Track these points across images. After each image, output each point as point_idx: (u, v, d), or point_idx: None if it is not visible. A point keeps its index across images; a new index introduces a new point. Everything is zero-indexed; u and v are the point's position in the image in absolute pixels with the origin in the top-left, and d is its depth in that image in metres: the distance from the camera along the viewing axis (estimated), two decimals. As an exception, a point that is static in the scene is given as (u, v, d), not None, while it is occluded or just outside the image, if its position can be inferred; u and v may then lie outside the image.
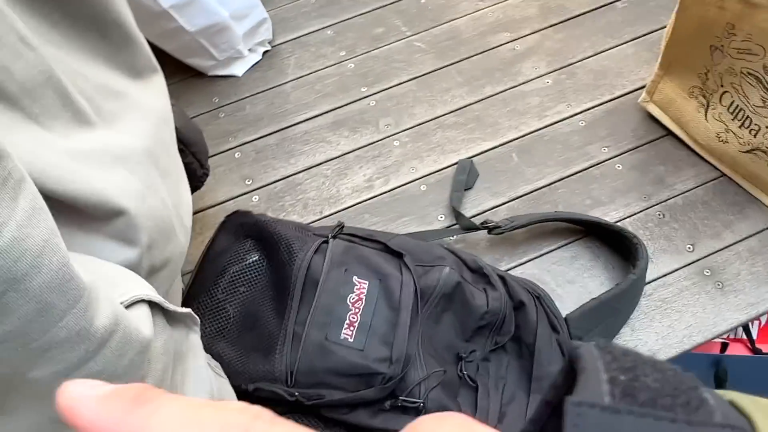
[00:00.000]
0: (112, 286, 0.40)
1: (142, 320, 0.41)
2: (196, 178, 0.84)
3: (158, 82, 0.62)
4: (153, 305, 0.43)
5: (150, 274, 0.51)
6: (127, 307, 0.40)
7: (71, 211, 0.42)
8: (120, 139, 0.49)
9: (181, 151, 0.79)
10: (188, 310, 0.50)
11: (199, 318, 0.79)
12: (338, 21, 1.26)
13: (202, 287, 0.79)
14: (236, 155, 1.09)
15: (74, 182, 0.41)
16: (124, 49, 0.54)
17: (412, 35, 1.21)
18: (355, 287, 0.75)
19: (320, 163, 1.06)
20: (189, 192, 0.65)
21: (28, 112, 0.41)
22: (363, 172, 1.03)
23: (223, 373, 0.66)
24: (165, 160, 0.57)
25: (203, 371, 0.55)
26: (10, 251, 0.29)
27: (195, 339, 0.54)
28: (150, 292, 0.43)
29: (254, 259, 0.79)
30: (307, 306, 0.73)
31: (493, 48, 1.17)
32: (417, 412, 0.72)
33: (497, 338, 0.80)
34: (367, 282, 0.75)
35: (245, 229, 0.82)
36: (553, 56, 1.14)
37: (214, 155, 1.09)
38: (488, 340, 0.80)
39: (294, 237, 0.78)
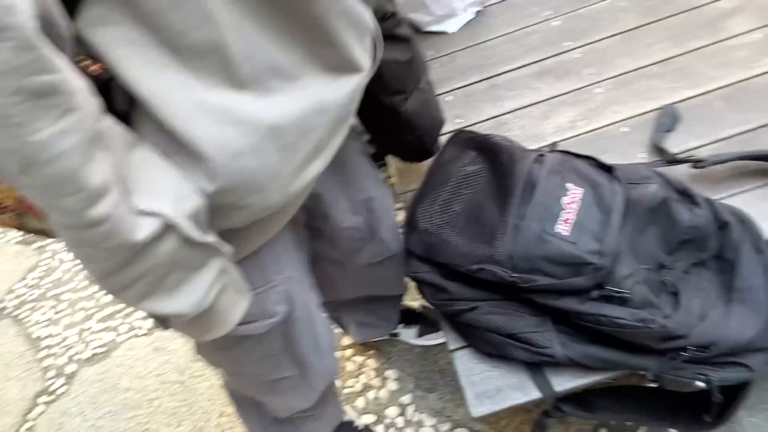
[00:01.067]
0: (142, 193, 0.56)
1: (142, 227, 0.55)
2: (418, 153, 1.04)
3: (351, 81, 0.71)
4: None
5: (221, 208, 0.64)
6: (142, 212, 0.55)
7: (174, 140, 0.58)
8: (255, 108, 0.62)
9: (408, 130, 0.98)
10: (210, 240, 0.62)
11: (429, 212, 0.92)
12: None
13: (432, 189, 0.93)
14: (447, 98, 1.23)
15: (182, 121, 0.57)
16: (321, 48, 0.66)
17: (616, -4, 1.28)
18: (569, 192, 0.84)
19: (525, 106, 1.16)
20: (317, 170, 0.73)
21: (189, 65, 0.57)
22: (566, 115, 1.12)
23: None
24: (295, 139, 0.67)
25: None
26: (41, 147, 0.47)
27: (219, 262, 0.66)
28: (171, 214, 0.56)
29: (477, 167, 0.91)
30: (527, 204, 0.84)
31: (698, 7, 1.21)
32: (622, 302, 0.80)
33: (700, 254, 0.86)
34: (580, 189, 0.85)
35: (469, 143, 0.95)
36: (764, 12, 1.15)
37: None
38: (691, 255, 0.86)
39: (515, 148, 0.90)
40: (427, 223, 0.90)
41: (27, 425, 1.63)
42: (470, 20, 1.34)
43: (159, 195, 0.57)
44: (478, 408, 0.88)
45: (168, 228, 0.57)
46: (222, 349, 0.88)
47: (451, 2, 1.29)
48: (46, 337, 1.78)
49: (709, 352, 0.79)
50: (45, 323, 1.83)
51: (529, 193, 0.85)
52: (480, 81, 1.24)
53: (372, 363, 1.49)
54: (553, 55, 1.23)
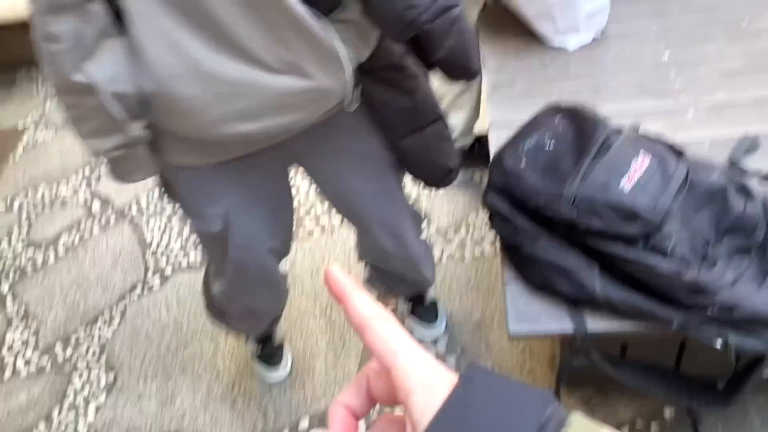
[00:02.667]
0: (93, 62, 0.84)
1: (78, 76, 0.84)
2: (425, 180, 1.26)
3: (294, 82, 0.93)
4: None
5: (159, 108, 0.92)
6: (84, 70, 0.84)
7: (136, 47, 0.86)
8: (204, 54, 0.87)
9: (408, 162, 1.21)
10: (121, 116, 0.90)
11: (516, 154, 1.07)
12: (664, 19, 1.51)
13: (522, 137, 1.09)
14: (552, 97, 1.38)
15: (145, 41, 0.85)
16: (278, 47, 0.90)
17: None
18: (639, 158, 0.97)
19: (620, 112, 1.29)
20: (247, 128, 0.96)
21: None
22: (654, 126, 1.25)
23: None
24: (227, 94, 0.91)
25: None
26: None
27: (125, 137, 0.94)
28: (99, 82, 0.85)
29: (564, 128, 1.06)
30: (598, 160, 0.98)
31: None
32: (663, 254, 0.91)
33: (745, 242, 0.96)
34: (649, 156, 0.98)
35: (563, 111, 1.10)
36: None
37: (536, 92, 1.39)
38: (736, 241, 0.96)
39: (600, 118, 1.05)
40: (512, 162, 1.05)
41: (121, 305, 1.87)
42: (588, 42, 1.50)
43: (101, 69, 0.85)
44: (516, 327, 1.01)
45: (93, 88, 0.85)
46: (200, 241, 1.23)
47: (575, 21, 1.45)
48: (155, 242, 2.04)
49: (732, 314, 0.89)
50: (157, 230, 2.09)
51: (603, 152, 0.99)
52: (585, 89, 1.39)
53: (427, 325, 1.62)
54: (656, 79, 1.36)
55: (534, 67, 1.48)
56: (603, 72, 1.42)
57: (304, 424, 1.50)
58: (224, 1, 0.82)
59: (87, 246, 2.08)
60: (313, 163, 1.19)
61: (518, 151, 1.07)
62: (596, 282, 0.97)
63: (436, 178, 1.24)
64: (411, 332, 1.57)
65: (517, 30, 1.57)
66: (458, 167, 1.26)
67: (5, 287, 2.01)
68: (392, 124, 1.12)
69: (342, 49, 0.93)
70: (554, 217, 0.98)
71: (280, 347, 1.61)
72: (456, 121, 1.87)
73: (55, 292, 1.96)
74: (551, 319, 1.00)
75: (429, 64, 1.10)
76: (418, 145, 1.15)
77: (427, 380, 0.29)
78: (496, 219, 1.07)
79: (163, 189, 1.17)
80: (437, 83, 1.82)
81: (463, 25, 1.06)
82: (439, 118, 1.16)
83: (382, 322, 0.31)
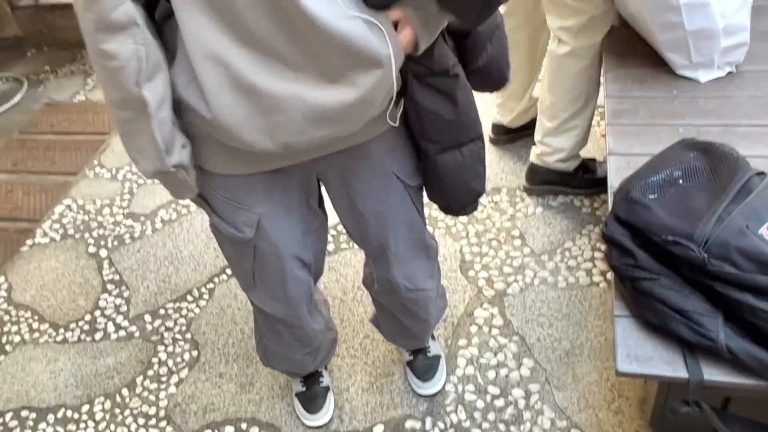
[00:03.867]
0: (146, 81, 0.84)
1: (132, 91, 0.84)
2: (442, 205, 1.19)
3: (339, 94, 0.88)
4: None
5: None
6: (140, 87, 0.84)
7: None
8: (247, 68, 0.84)
9: (435, 180, 1.13)
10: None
11: (644, 186, 1.03)
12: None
13: (651, 170, 1.05)
14: (680, 130, 1.33)
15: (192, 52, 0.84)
16: (319, 58, 0.85)
17: None
18: (783, 207, 0.92)
19: (754, 156, 1.22)
20: (287, 140, 0.92)
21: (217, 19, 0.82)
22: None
23: None
24: (268, 107, 0.87)
25: None
26: None
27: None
28: (149, 103, 0.85)
29: (699, 164, 1.02)
30: (737, 204, 0.93)
31: None
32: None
33: None
34: (793, 207, 0.92)
35: (696, 146, 1.06)
36: None
37: (660, 125, 1.34)
38: None
39: (741, 158, 0.99)
40: (640, 194, 1.01)
41: (210, 284, 1.92)
42: (722, 76, 1.43)
43: (154, 91, 0.86)
44: (625, 366, 0.97)
45: (149, 107, 0.86)
46: (222, 243, 1.20)
47: (711, 53, 1.39)
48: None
49: None
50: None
51: (742, 196, 0.94)
52: (715, 125, 1.32)
53: (512, 347, 1.59)
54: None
55: (659, 97, 1.42)
56: (735, 111, 1.35)
57: (379, 429, 1.49)
58: (258, 14, 0.80)
59: (183, 223, 2.15)
60: (341, 181, 1.13)
61: (646, 183, 1.03)
62: (720, 330, 0.91)
63: (462, 202, 1.16)
64: (410, 383, 1.56)
65: (643, 56, 1.52)
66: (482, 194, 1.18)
67: (104, 252, 2.10)
68: (433, 137, 1.05)
69: (385, 47, 0.86)
70: (681, 256, 0.93)
71: (325, 391, 1.56)
72: (564, 144, 1.82)
73: (149, 264, 2.03)
74: (664, 363, 0.95)
75: (467, 73, 1.04)
76: (455, 164, 1.08)
77: None
78: (614, 250, 1.03)
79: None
80: (550, 100, 1.78)
81: (503, 32, 1.05)
82: (479, 137, 1.08)
83: None
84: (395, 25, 0.87)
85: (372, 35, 0.84)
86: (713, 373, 0.93)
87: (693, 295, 0.95)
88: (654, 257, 0.98)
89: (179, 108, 0.92)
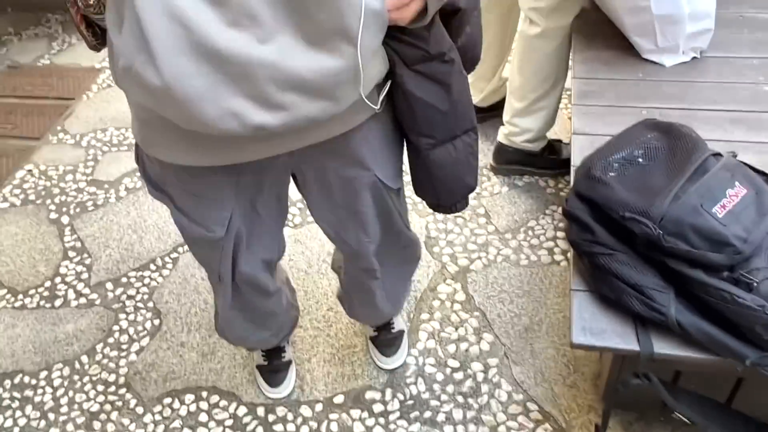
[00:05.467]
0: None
1: None
2: (433, 203, 1.10)
3: (322, 60, 0.76)
4: None
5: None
6: None
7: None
8: (215, 30, 0.71)
9: (426, 177, 1.03)
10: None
11: (604, 164, 1.05)
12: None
13: (612, 149, 1.07)
14: (643, 112, 1.35)
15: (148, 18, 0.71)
16: (302, 17, 0.74)
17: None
18: (735, 187, 0.95)
19: (713, 140, 1.25)
20: (260, 119, 0.78)
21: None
22: (747, 158, 1.21)
23: None
24: (236, 74, 0.76)
25: None
26: None
27: None
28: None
29: (659, 144, 1.04)
30: (693, 183, 0.96)
31: None
32: (748, 288, 0.89)
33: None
34: (745, 189, 0.95)
35: (657, 126, 1.08)
36: None
37: (624, 107, 1.36)
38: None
39: (699, 139, 1.02)
40: (600, 172, 1.03)
41: (174, 254, 1.90)
42: (686, 61, 1.46)
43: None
44: (580, 338, 0.99)
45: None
46: (189, 245, 1.16)
47: (676, 39, 1.41)
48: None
49: (812, 360, 0.86)
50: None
51: (698, 176, 0.97)
52: (677, 109, 1.35)
53: (473, 322, 1.61)
54: (752, 111, 1.32)
55: (625, 80, 1.45)
56: (697, 96, 1.38)
57: (339, 399, 1.51)
58: None
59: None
60: (317, 177, 1.04)
61: (607, 161, 1.05)
62: (671, 305, 0.95)
63: (454, 199, 1.07)
64: (372, 357, 1.57)
65: (611, 39, 1.54)
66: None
67: (65, 219, 2.06)
68: (426, 131, 0.96)
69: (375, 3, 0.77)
70: (637, 232, 0.96)
71: (287, 365, 1.55)
72: (532, 124, 1.84)
73: (112, 232, 2.00)
74: (617, 336, 0.98)
75: None
76: (448, 158, 0.99)
77: None
78: (574, 225, 1.05)
79: (150, 187, 1.04)
80: (519, 81, 1.80)
81: (479, 11, 0.99)
82: (473, 128, 1.00)
83: None
84: None
85: None
86: (664, 347, 0.97)
87: (647, 270, 0.98)
88: (611, 233, 1.01)
89: (127, 84, 0.80)
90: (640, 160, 1.03)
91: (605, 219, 1.01)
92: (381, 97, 0.91)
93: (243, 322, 1.34)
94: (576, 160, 1.22)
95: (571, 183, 1.11)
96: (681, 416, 1.07)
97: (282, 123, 0.79)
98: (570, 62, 1.69)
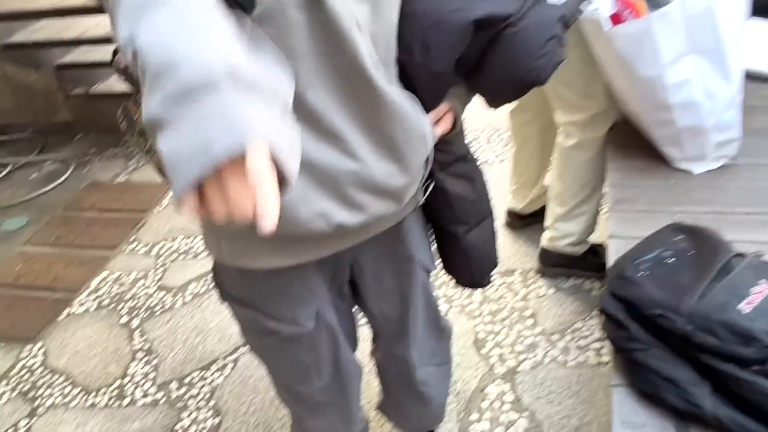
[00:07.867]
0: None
1: None
2: (468, 280, 1.31)
3: (390, 167, 0.94)
4: None
5: None
6: None
7: None
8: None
9: (464, 258, 1.23)
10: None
11: (636, 265, 1.13)
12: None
13: (643, 250, 1.15)
14: (676, 217, 1.43)
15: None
16: (374, 131, 0.91)
17: None
18: (760, 285, 1.01)
19: (743, 241, 1.32)
20: (341, 218, 0.92)
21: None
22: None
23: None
24: (321, 179, 0.88)
25: None
26: None
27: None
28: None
29: (687, 245, 1.12)
30: (718, 281, 1.02)
31: None
32: (779, 382, 0.93)
33: None
34: (771, 286, 1.01)
35: (684, 230, 1.16)
36: None
37: (657, 211, 1.44)
38: None
39: (723, 241, 1.09)
40: (633, 272, 1.11)
41: (235, 355, 2.01)
42: (713, 169, 1.55)
43: None
44: (621, 431, 1.03)
45: None
46: (258, 347, 1.16)
47: (703, 148, 1.51)
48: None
49: None
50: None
51: (724, 274, 1.03)
52: (710, 213, 1.43)
53: (523, 423, 1.64)
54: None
55: (658, 187, 1.54)
56: (727, 200, 1.45)
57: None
58: (319, 88, 0.82)
59: (212, 296, 2.27)
60: (373, 266, 1.15)
61: (638, 262, 1.13)
62: (706, 398, 0.98)
63: (482, 275, 1.26)
64: None
65: (644, 148, 1.65)
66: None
67: (135, 322, 2.22)
68: (462, 218, 1.16)
69: (427, 124, 0.97)
70: (669, 328, 1.02)
71: None
72: (573, 229, 1.93)
73: (178, 334, 2.14)
74: (656, 430, 1.02)
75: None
76: (479, 240, 1.19)
77: None
78: (610, 323, 1.12)
79: (222, 296, 1.11)
80: (559, 188, 1.90)
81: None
82: (491, 212, 1.22)
83: None
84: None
85: (420, 112, 0.95)
86: (702, 441, 1.00)
87: (682, 365, 1.03)
88: (646, 330, 1.07)
89: None
90: (669, 260, 1.11)
91: (639, 316, 1.07)
92: (426, 194, 1.10)
93: (332, 418, 1.33)
94: (611, 262, 1.30)
95: (606, 283, 1.18)
96: None
97: (359, 221, 0.94)
98: (606, 170, 1.79)
